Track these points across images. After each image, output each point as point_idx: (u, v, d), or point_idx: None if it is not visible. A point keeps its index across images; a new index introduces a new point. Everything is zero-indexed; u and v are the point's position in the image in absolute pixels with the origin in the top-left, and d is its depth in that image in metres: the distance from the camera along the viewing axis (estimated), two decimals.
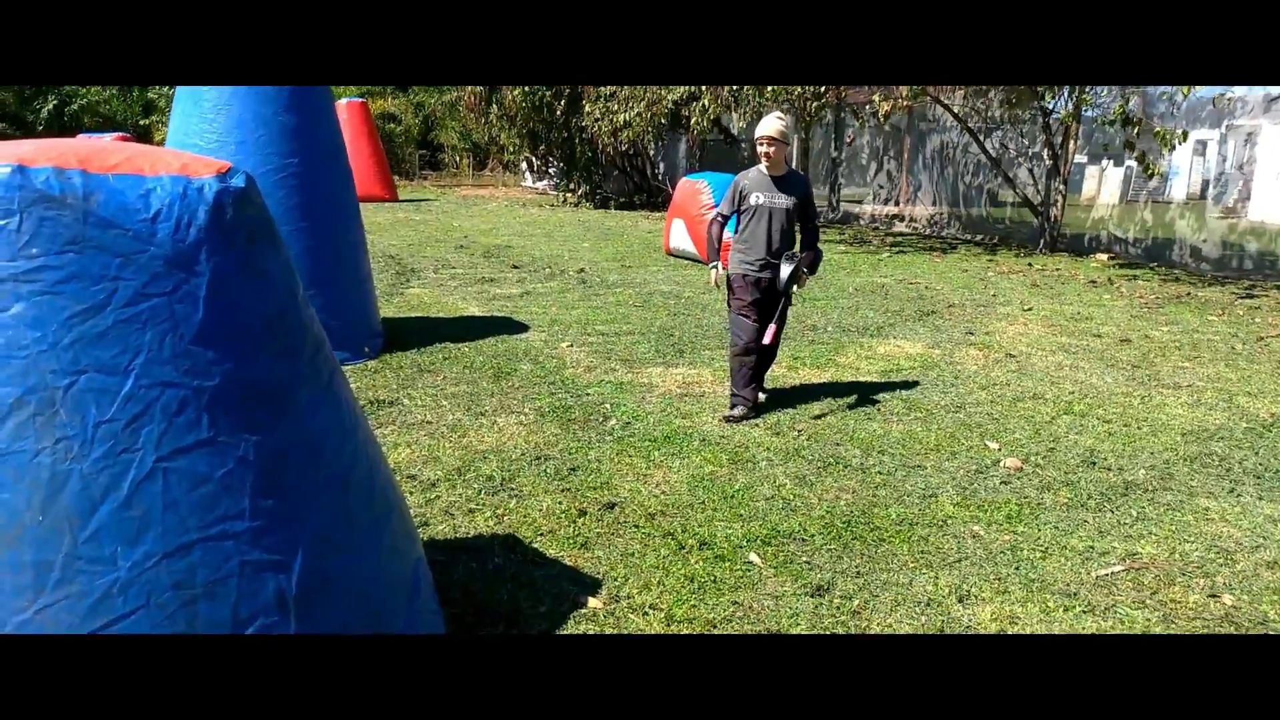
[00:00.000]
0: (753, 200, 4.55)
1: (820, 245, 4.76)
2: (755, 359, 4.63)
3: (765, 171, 4.55)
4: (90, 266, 1.84)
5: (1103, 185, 20.78)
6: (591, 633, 2.63)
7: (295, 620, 2.01)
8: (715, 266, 4.74)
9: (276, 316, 2.09)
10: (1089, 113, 12.01)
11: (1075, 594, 2.87)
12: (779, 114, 4.58)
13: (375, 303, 6.19)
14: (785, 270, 4.48)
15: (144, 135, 28.75)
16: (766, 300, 4.61)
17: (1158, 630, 2.67)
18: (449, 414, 4.61)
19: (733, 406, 4.65)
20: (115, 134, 20.71)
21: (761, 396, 4.88)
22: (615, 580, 2.96)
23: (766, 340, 4.55)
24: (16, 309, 1.81)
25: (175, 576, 1.88)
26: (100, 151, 1.96)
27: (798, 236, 4.72)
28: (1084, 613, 2.75)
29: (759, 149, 4.51)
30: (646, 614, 2.74)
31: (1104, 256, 11.65)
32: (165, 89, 29.17)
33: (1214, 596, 2.86)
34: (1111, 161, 19.50)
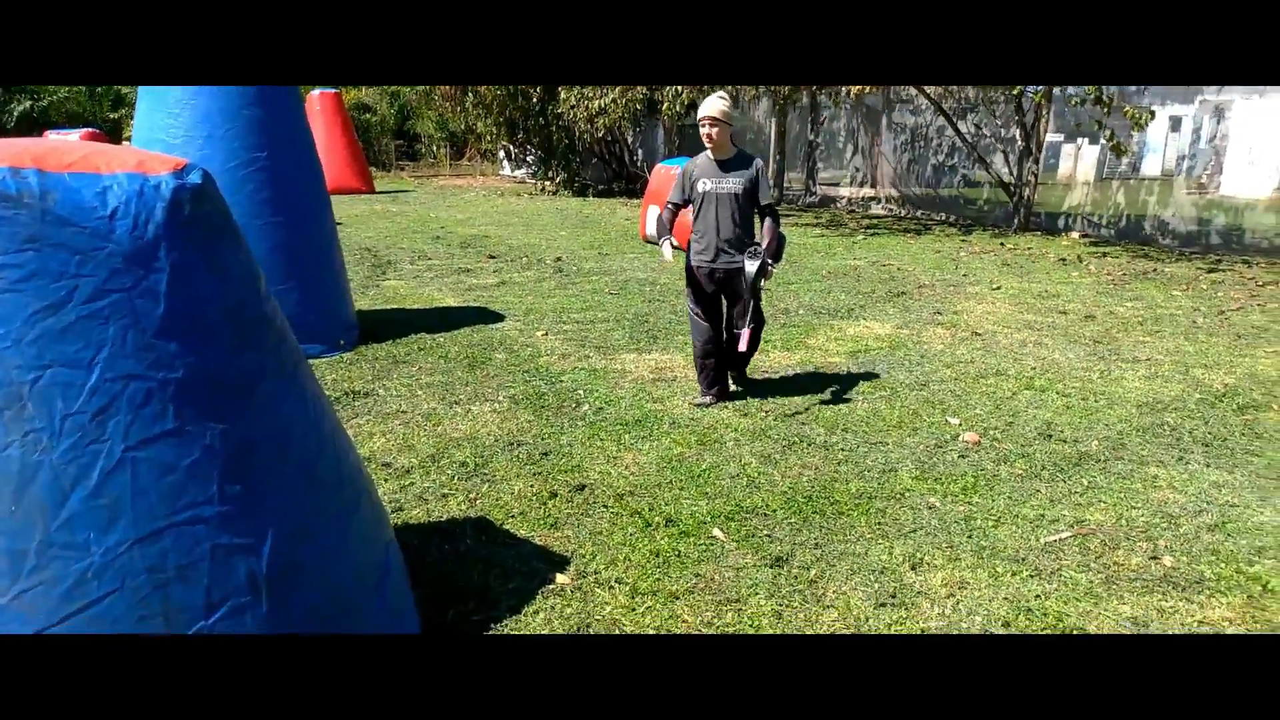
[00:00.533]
0: (699, 187, 4.37)
1: (782, 229, 4.56)
2: (715, 360, 4.56)
3: (711, 156, 4.37)
4: (50, 264, 1.90)
5: (1078, 164, 20.98)
6: (558, 607, 2.72)
7: (267, 602, 2.08)
8: (667, 238, 4.50)
9: (237, 309, 2.15)
10: (1066, 90, 12.07)
11: (1023, 559, 2.99)
12: (721, 93, 4.32)
13: (349, 295, 6.23)
14: (750, 268, 4.28)
15: (114, 130, 28.50)
16: (723, 294, 4.46)
17: (1100, 593, 2.79)
18: (424, 403, 4.68)
19: (702, 395, 4.69)
20: (84, 130, 20.54)
21: (733, 387, 4.89)
22: (583, 557, 3.05)
23: (742, 347, 4.44)
24: None
25: (148, 561, 1.95)
26: (56, 150, 2.01)
27: (759, 224, 4.52)
28: (1030, 577, 2.87)
29: (701, 131, 4.28)
30: (612, 588, 2.84)
31: (1075, 235, 11.80)
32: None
33: (1155, 559, 2.99)
34: (1086, 140, 19.69)
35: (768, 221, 4.40)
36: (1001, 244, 10.94)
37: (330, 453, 2.37)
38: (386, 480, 3.68)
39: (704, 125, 4.23)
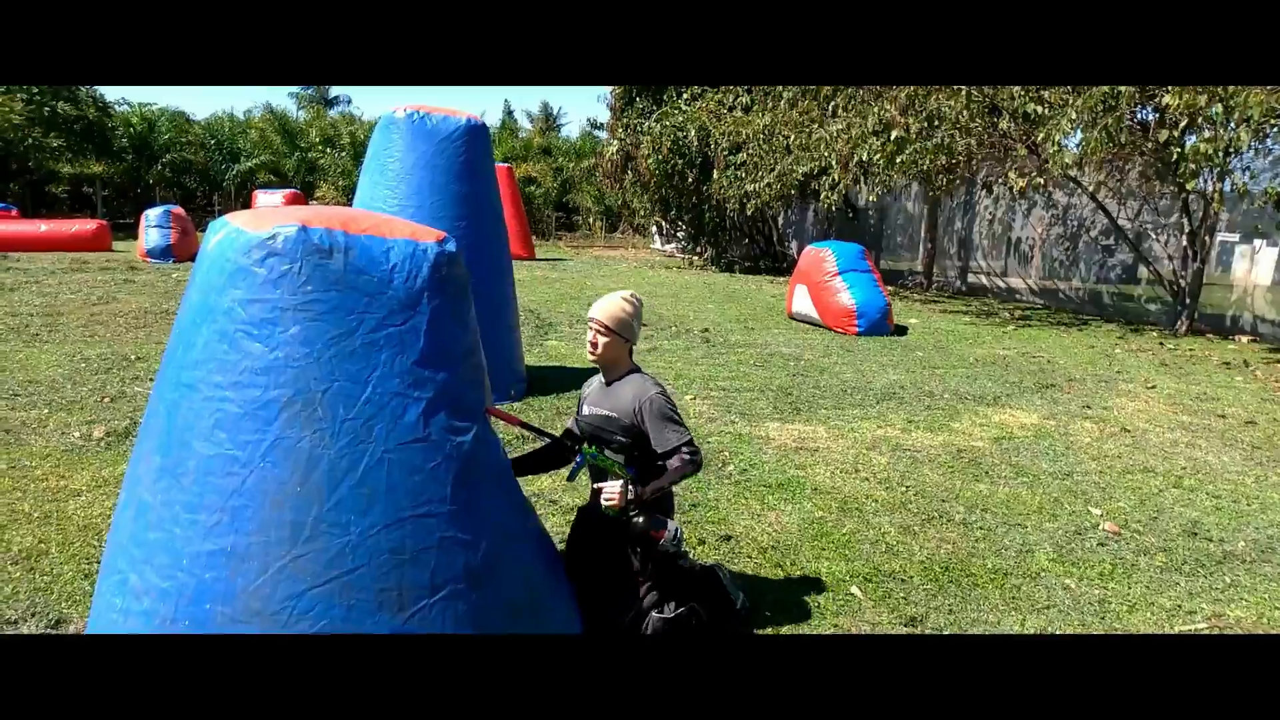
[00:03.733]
0: (584, 410, 3.16)
1: (674, 520, 2.99)
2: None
3: (601, 376, 3.14)
4: (346, 302, 2.45)
5: (1255, 265, 19.89)
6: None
7: (477, 590, 2.52)
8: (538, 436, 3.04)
9: (471, 350, 2.66)
10: (1252, 185, 11.54)
11: None
12: (627, 294, 3.12)
13: (521, 351, 6.86)
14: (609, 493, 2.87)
15: (308, 190, 31.58)
16: (603, 553, 3.05)
17: None
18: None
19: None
20: (287, 191, 22.92)
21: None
22: (745, 601, 3.36)
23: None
24: (293, 330, 2.43)
25: (391, 544, 2.42)
26: (355, 218, 2.60)
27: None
28: None
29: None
30: (754, 627, 3.13)
31: (1245, 339, 11.28)
32: (329, 151, 31.99)
33: None
34: (1265, 241, 18.71)
35: (672, 460, 2.91)
36: (1161, 344, 10.62)
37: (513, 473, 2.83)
38: (554, 515, 4.12)
39: (589, 328, 3.08)
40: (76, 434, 5.14)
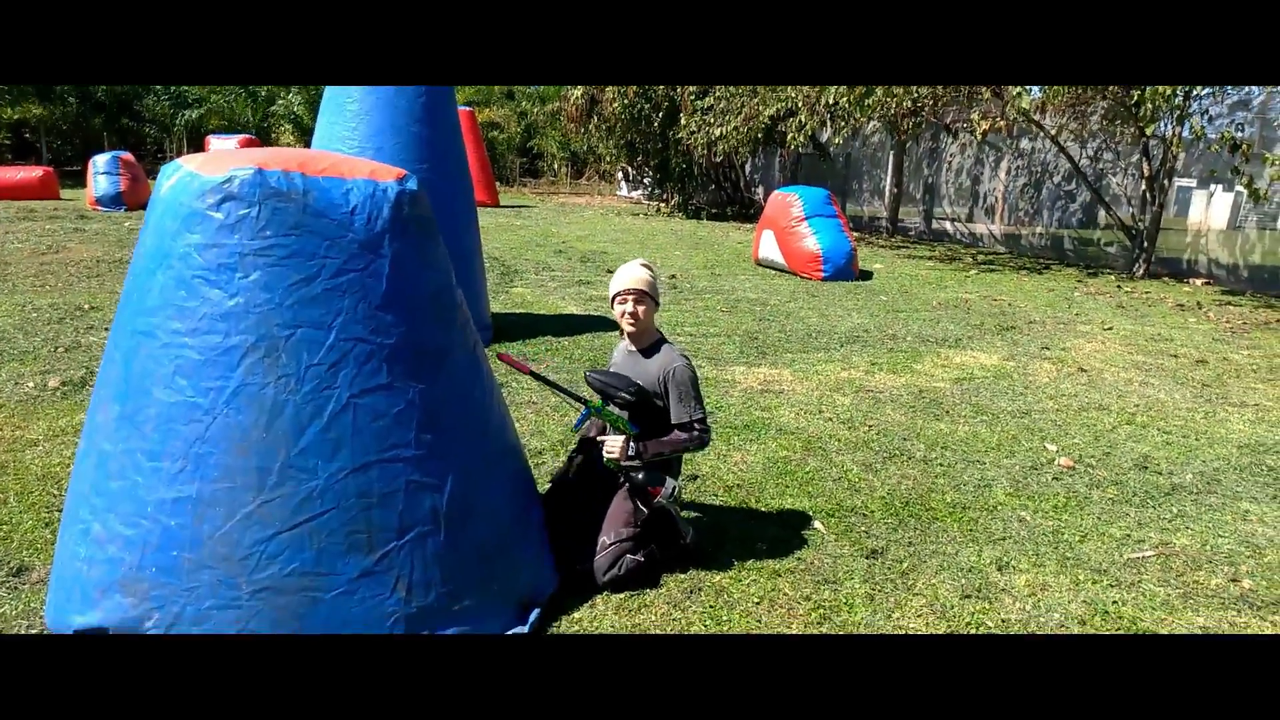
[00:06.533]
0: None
1: (677, 480, 3.11)
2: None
3: (630, 345, 3.18)
4: (306, 246, 2.42)
5: (1210, 210, 20.22)
6: (674, 571, 3.10)
7: (445, 532, 2.54)
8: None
9: (438, 293, 2.64)
10: (1209, 130, 11.70)
11: (1105, 571, 3.21)
12: (642, 260, 3.18)
13: (486, 299, 6.81)
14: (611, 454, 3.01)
15: (264, 135, 30.75)
16: (594, 484, 3.19)
17: (1176, 605, 2.98)
18: (551, 397, 5.15)
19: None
20: (241, 136, 22.31)
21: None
22: (695, 534, 3.42)
23: (602, 575, 2.99)
24: (254, 276, 2.39)
25: (359, 487, 2.43)
26: (313, 158, 2.55)
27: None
28: (1110, 586, 3.09)
29: (616, 308, 3.12)
30: (720, 560, 3.20)
31: (1199, 281, 11.52)
32: (286, 93, 31.09)
33: (1235, 581, 3.15)
34: (1221, 186, 19.01)
35: (680, 432, 3.05)
36: (1119, 287, 10.82)
37: (497, 415, 2.84)
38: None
39: (624, 301, 3.07)
40: (31, 384, 5.04)
